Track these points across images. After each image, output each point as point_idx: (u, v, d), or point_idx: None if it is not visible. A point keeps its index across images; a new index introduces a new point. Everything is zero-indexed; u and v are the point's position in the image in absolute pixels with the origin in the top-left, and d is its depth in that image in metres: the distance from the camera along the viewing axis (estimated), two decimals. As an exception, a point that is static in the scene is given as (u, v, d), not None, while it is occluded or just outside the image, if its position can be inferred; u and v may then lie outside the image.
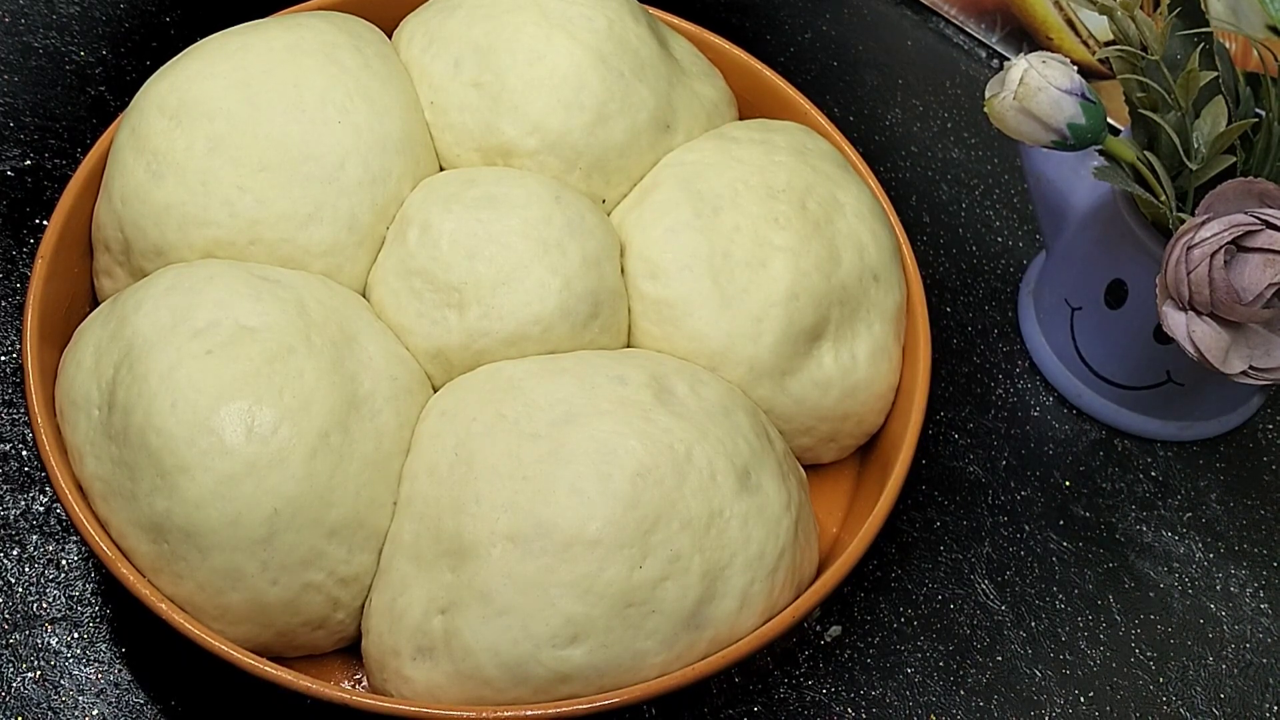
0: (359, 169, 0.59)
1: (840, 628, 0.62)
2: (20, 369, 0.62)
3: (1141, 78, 0.59)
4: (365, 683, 0.56)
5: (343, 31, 0.63)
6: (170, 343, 0.53)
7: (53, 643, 0.58)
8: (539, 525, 0.52)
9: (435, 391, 0.58)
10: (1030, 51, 0.58)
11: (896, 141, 0.80)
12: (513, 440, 0.53)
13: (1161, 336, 0.64)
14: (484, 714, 0.51)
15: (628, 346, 0.60)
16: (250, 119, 0.59)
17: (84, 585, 0.60)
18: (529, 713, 0.51)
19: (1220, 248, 0.54)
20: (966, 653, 0.62)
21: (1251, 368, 0.56)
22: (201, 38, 0.63)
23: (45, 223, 0.65)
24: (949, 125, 0.81)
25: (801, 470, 0.61)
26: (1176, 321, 0.56)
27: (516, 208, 0.58)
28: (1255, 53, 0.60)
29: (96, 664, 0.58)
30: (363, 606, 0.55)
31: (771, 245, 0.60)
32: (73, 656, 0.58)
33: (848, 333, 0.61)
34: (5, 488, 0.62)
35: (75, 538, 0.61)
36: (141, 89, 0.62)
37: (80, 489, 0.55)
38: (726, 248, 0.59)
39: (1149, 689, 0.62)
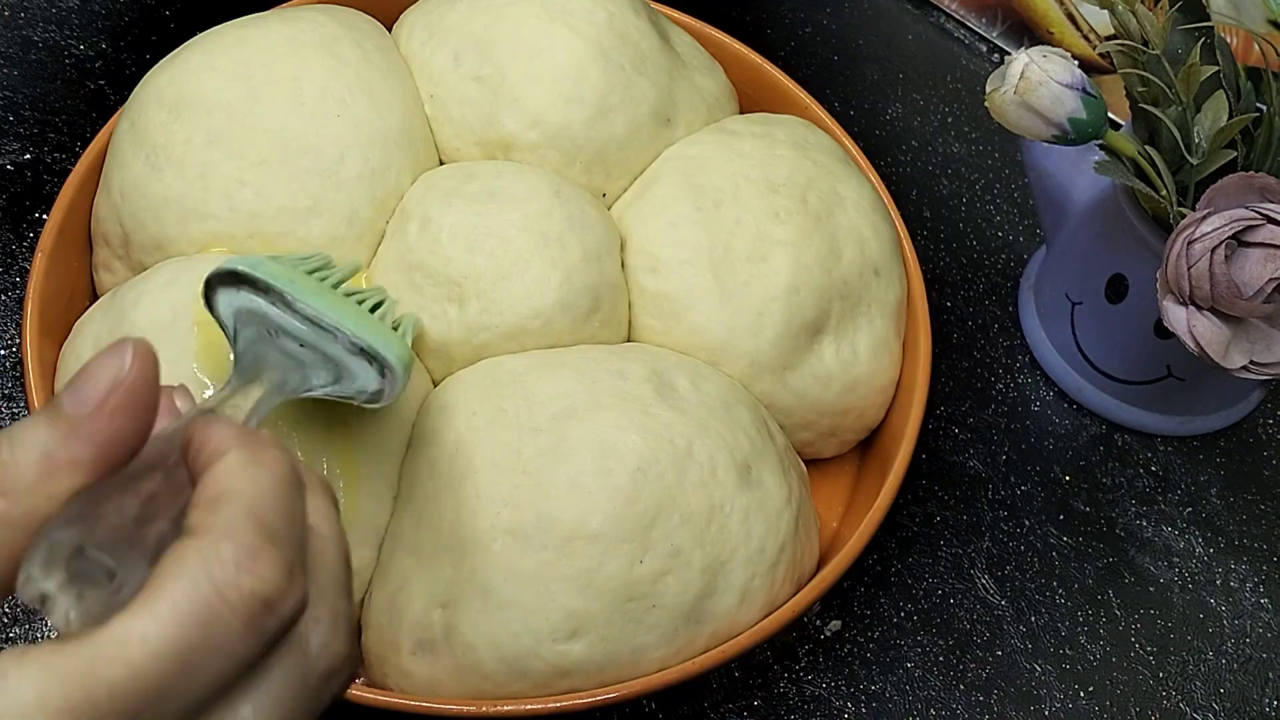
0: (359, 162, 0.59)
1: (840, 622, 0.62)
2: (20, 363, 0.62)
3: (1142, 72, 0.59)
4: (365, 677, 0.56)
5: (342, 25, 0.63)
6: (169, 337, 0.53)
7: (53, 638, 0.58)
8: (539, 520, 0.52)
9: (435, 386, 0.58)
10: (1031, 46, 0.58)
11: (897, 136, 0.80)
12: (513, 435, 0.53)
13: (1162, 331, 0.64)
14: (484, 708, 0.51)
15: (628, 341, 0.60)
16: (249, 112, 0.58)
17: (84, 579, 0.60)
18: (529, 707, 0.51)
19: (1221, 242, 0.54)
20: (966, 647, 0.62)
21: (1252, 362, 0.56)
22: (201, 31, 0.63)
23: (45, 217, 0.65)
24: (950, 120, 0.81)
25: (802, 465, 0.61)
26: (1177, 316, 0.56)
27: (517, 202, 0.58)
28: (1256, 47, 0.60)
29: (96, 658, 0.58)
30: (363, 601, 0.55)
31: (772, 239, 0.60)
32: (72, 651, 0.58)
33: (848, 327, 0.61)
34: (5, 482, 0.62)
35: (75, 532, 0.61)
36: (141, 82, 0.62)
37: (80, 483, 0.54)
38: (727, 242, 0.59)
39: (1149, 684, 0.62)
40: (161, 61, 0.62)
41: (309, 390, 0.47)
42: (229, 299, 0.48)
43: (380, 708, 0.51)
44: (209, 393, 0.52)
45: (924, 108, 0.82)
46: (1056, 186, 0.69)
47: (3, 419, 0.64)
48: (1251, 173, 0.56)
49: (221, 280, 0.48)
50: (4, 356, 0.65)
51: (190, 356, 0.53)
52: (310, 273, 0.51)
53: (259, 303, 0.48)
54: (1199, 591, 0.65)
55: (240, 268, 0.47)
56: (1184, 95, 0.58)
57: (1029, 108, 0.57)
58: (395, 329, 0.52)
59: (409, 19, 0.66)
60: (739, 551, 0.54)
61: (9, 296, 0.67)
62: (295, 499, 0.35)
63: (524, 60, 0.61)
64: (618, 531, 0.52)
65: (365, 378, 0.49)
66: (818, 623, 0.62)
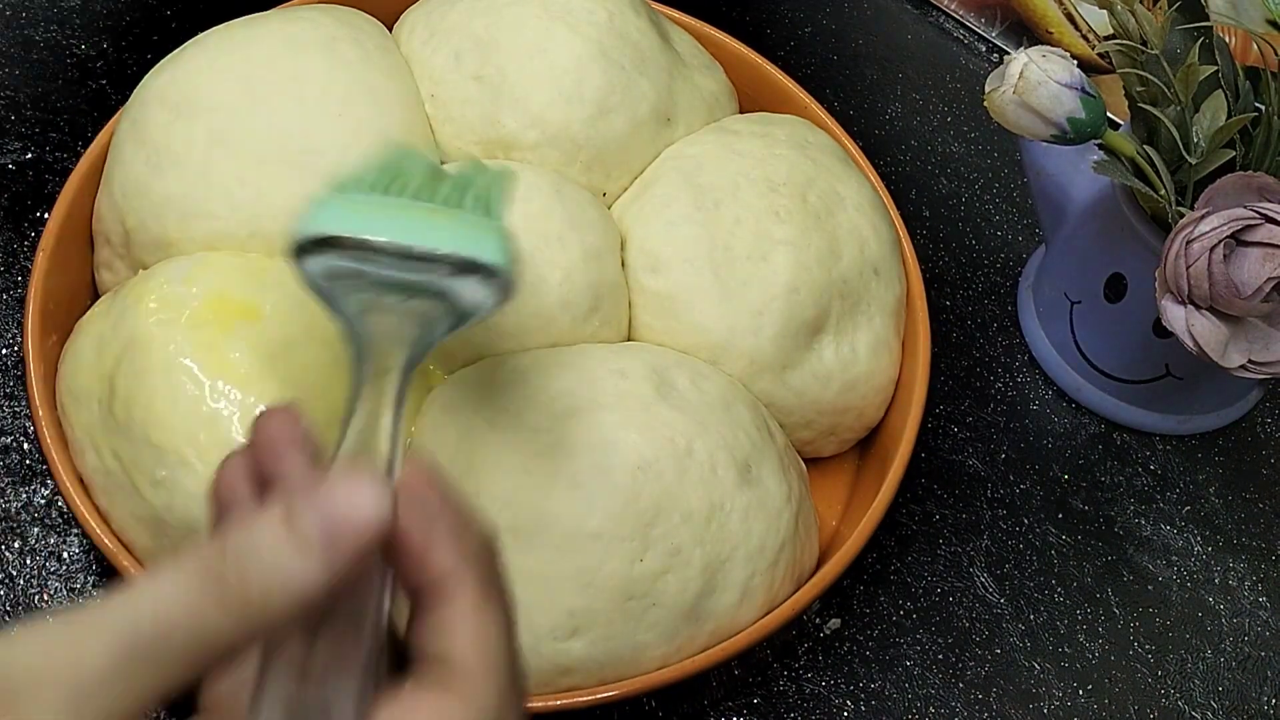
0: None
1: (839, 620, 0.62)
2: (21, 362, 0.62)
3: (1141, 72, 0.59)
4: (366, 675, 0.57)
5: (343, 24, 0.63)
6: (171, 336, 0.53)
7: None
8: (540, 518, 0.52)
9: (436, 385, 0.58)
10: (1030, 46, 0.58)
11: (896, 135, 0.80)
12: (514, 433, 0.53)
13: (1161, 330, 0.64)
14: (485, 706, 0.51)
15: (628, 340, 0.60)
16: (250, 112, 0.59)
17: (85, 578, 0.60)
18: (529, 705, 0.51)
19: (1219, 242, 0.54)
20: (965, 645, 0.62)
21: (1250, 361, 0.56)
22: (202, 31, 0.63)
23: (46, 216, 0.65)
24: (949, 119, 0.81)
25: (801, 463, 0.61)
26: (1176, 315, 0.56)
27: (517, 201, 0.58)
28: (1255, 47, 0.60)
29: (98, 656, 0.58)
30: (364, 599, 0.55)
31: (772, 238, 0.60)
32: (74, 648, 0.58)
33: (848, 326, 0.62)
34: (7, 480, 0.62)
35: (76, 530, 0.61)
36: (142, 82, 0.62)
37: (81, 482, 0.55)
38: (727, 241, 0.59)
39: (1147, 682, 0.62)
40: (163, 61, 0.62)
41: (433, 345, 0.41)
42: (317, 266, 0.42)
43: (381, 705, 0.51)
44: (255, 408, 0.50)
45: (923, 107, 0.82)
46: (1055, 186, 0.69)
47: (4, 417, 0.64)
48: (1250, 172, 0.56)
49: (300, 252, 0.43)
50: (5, 355, 0.66)
51: (190, 353, 0.53)
52: (384, 192, 0.45)
53: (344, 263, 0.42)
54: (1197, 590, 0.65)
55: (309, 232, 0.42)
56: (1183, 95, 0.58)
57: (1028, 107, 0.57)
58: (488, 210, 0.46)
59: (409, 19, 0.66)
60: (739, 550, 0.54)
61: (11, 295, 0.67)
62: (514, 641, 0.36)
63: (524, 60, 0.61)
64: (618, 530, 0.52)
65: (475, 293, 0.43)
66: (817, 621, 0.62)
